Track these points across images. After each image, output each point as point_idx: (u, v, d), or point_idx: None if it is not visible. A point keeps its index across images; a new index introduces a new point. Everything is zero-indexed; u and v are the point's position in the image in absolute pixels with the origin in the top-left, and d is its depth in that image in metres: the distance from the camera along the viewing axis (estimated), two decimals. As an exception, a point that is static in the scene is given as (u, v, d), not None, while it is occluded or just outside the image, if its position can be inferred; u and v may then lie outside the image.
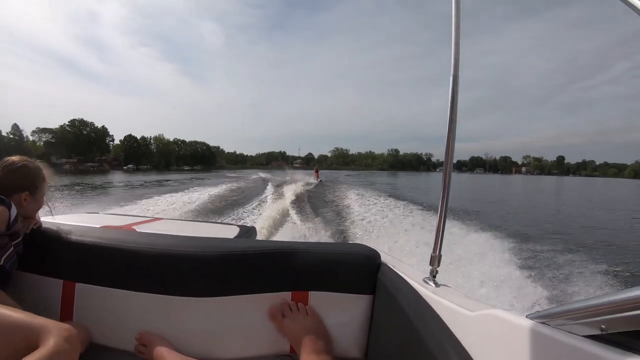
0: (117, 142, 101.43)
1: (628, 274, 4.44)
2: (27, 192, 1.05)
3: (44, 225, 1.12)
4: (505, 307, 0.63)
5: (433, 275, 0.86)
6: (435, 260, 0.86)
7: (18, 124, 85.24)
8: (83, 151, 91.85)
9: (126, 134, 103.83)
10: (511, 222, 9.86)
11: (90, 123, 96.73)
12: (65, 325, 0.77)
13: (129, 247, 1.02)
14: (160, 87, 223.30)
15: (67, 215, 2.05)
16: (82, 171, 70.61)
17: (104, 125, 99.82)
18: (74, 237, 1.06)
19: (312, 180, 20.90)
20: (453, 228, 5.88)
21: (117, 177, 41.40)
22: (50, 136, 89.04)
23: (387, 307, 0.90)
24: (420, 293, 0.81)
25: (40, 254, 1.05)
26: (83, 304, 1.02)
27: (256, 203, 10.33)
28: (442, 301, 0.74)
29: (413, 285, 0.86)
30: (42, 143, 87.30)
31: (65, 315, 1.02)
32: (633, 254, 6.10)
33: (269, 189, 14.72)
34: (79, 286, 1.02)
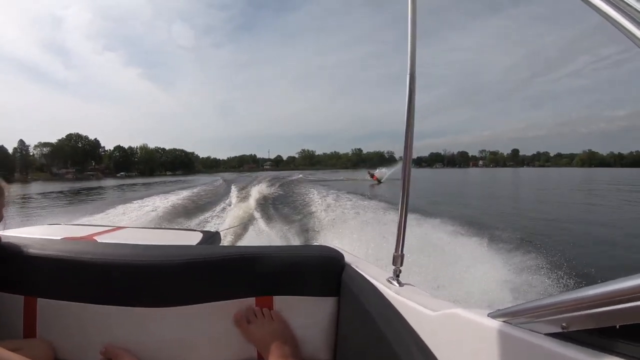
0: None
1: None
2: None
3: (2, 240, 1.07)
4: (468, 306, 0.63)
5: (396, 274, 0.88)
6: (397, 259, 0.88)
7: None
8: (79, 161, 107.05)
9: (115, 145, 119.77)
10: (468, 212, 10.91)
11: (85, 136, 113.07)
12: None
13: (90, 259, 1.00)
14: (129, 93, 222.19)
15: (27, 228, 2.07)
16: (82, 179, 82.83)
17: (96, 138, 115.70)
18: (33, 251, 1.02)
19: (371, 181, 23.77)
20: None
21: (121, 182, 48.71)
22: (49, 149, 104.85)
23: (352, 309, 0.90)
24: (384, 293, 0.82)
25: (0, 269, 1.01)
26: (46, 320, 0.99)
27: (222, 206, 10.53)
28: (405, 301, 0.75)
29: (377, 286, 0.86)
30: (42, 156, 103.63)
31: (28, 332, 0.99)
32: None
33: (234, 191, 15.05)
34: (40, 301, 0.99)
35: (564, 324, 0.41)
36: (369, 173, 27.15)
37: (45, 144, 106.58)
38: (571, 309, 0.40)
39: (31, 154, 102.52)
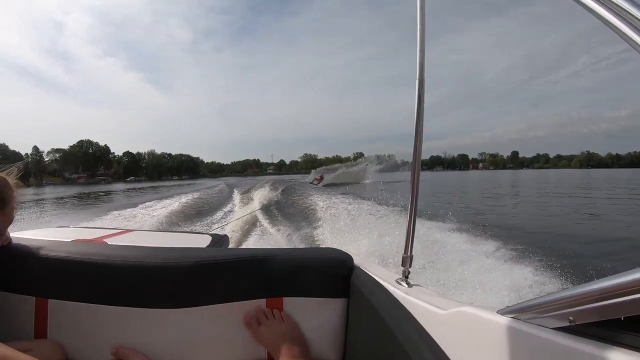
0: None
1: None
2: None
3: (13, 242, 1.08)
4: (478, 304, 0.64)
5: (405, 276, 0.89)
6: (406, 261, 0.89)
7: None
8: (90, 166, 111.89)
9: (124, 151, 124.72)
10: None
11: (95, 143, 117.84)
12: None
13: (100, 260, 1.01)
14: (130, 98, 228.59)
15: (37, 230, 2.08)
16: (93, 183, 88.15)
17: (106, 144, 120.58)
18: (44, 253, 1.04)
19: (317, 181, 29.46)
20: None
21: (131, 186, 52.08)
22: (61, 155, 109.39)
23: (361, 310, 0.91)
24: (394, 294, 0.83)
25: (11, 271, 1.03)
26: (56, 321, 1.00)
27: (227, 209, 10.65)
28: (415, 301, 0.76)
29: (386, 287, 0.87)
30: (54, 161, 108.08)
31: (39, 332, 1.00)
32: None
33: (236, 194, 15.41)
34: (51, 302, 1.00)
35: (570, 318, 0.43)
36: (321, 176, 32.84)
37: (58, 150, 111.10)
38: (577, 303, 0.41)
39: (45, 159, 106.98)
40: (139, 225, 8.18)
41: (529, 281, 3.70)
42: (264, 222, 8.22)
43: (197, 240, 2.07)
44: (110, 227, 4.13)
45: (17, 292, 1.02)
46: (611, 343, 0.39)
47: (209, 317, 0.97)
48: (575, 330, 0.43)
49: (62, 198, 25.90)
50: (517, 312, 0.52)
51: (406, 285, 0.87)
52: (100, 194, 30.32)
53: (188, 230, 6.67)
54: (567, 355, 0.42)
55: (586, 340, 0.41)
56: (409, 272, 0.89)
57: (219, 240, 1.98)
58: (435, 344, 0.63)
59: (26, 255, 1.04)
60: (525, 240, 5.99)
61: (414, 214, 0.89)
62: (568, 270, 4.04)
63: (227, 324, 0.98)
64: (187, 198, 14.00)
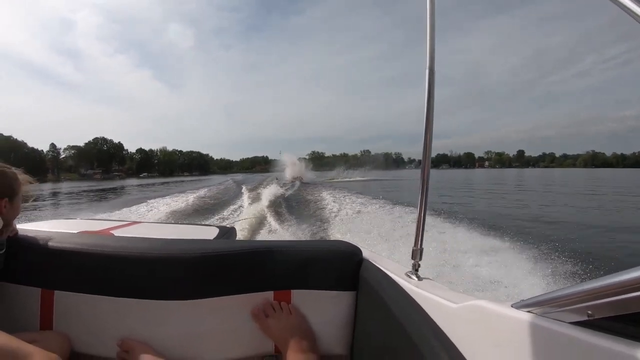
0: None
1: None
2: (5, 198, 0.98)
3: (19, 233, 1.08)
4: (490, 298, 0.62)
5: (415, 269, 0.88)
6: (416, 253, 0.87)
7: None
8: (105, 163, 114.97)
9: (137, 148, 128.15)
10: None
11: (110, 140, 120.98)
12: (52, 355, 0.76)
13: (107, 252, 1.00)
14: (140, 95, 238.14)
15: (44, 222, 2.05)
16: (108, 178, 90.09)
17: (120, 142, 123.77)
18: (50, 244, 1.03)
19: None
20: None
21: (146, 181, 53.54)
22: (76, 152, 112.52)
23: (370, 303, 0.89)
24: (403, 287, 0.81)
25: (17, 262, 1.02)
26: (62, 312, 0.99)
27: (236, 205, 10.73)
28: (425, 294, 0.75)
29: (396, 280, 0.85)
30: (70, 158, 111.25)
31: (44, 324, 1.00)
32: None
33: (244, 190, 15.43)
34: (57, 294, 0.99)
35: (589, 312, 0.41)
36: (294, 177, 34.94)
37: (73, 147, 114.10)
38: (596, 296, 0.40)
39: (61, 156, 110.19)
40: (154, 217, 8.28)
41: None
42: (271, 216, 8.27)
43: (204, 232, 2.05)
44: (117, 219, 4.15)
45: (23, 284, 1.02)
46: (632, 338, 0.38)
47: (216, 309, 0.97)
48: (594, 324, 0.41)
49: (108, 192, 27.98)
50: (532, 306, 0.50)
51: (416, 279, 0.86)
52: (119, 189, 32.52)
53: (195, 223, 6.60)
54: (585, 350, 0.41)
55: (605, 335, 0.40)
56: (419, 265, 0.88)
57: (227, 232, 1.98)
58: (446, 338, 0.61)
59: (32, 247, 1.04)
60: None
61: (424, 206, 0.88)
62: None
63: (234, 316, 0.97)
64: (196, 195, 14.05)
